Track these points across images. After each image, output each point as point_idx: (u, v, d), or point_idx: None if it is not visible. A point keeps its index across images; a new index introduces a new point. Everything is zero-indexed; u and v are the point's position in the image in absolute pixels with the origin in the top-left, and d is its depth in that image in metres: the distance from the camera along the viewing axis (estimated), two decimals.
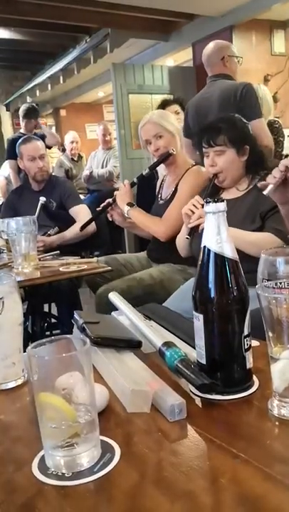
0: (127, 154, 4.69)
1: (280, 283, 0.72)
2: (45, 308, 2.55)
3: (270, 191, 1.22)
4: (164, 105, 3.67)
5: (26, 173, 2.84)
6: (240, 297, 0.72)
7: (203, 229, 0.75)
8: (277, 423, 0.64)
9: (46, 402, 0.57)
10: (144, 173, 2.27)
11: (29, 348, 0.58)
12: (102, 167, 4.94)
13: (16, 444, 0.66)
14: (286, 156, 3.39)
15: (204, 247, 0.73)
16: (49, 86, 7.55)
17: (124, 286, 1.97)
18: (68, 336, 0.61)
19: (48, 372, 0.58)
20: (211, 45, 2.97)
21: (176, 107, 3.56)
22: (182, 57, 5.71)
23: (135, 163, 4.46)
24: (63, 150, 6.15)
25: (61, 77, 7.08)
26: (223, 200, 0.72)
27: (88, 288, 2.38)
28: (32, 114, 4.38)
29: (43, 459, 0.60)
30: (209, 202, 0.72)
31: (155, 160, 2.24)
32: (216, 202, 0.71)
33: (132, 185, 2.28)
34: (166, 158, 2.18)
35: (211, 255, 0.72)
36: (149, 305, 1.19)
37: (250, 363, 0.74)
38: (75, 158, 5.67)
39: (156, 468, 0.57)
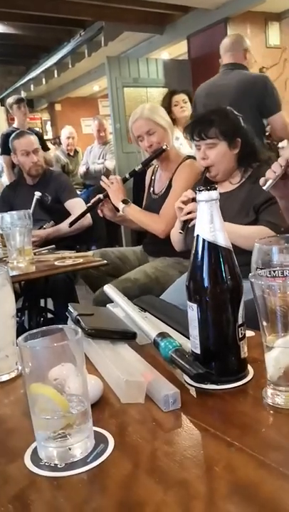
0: (122, 148, 4.67)
1: (274, 271, 0.72)
2: (42, 303, 2.54)
3: (270, 186, 1.20)
4: (171, 94, 3.67)
5: (21, 168, 2.83)
6: (233, 286, 0.72)
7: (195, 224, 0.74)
8: (271, 411, 0.64)
9: (38, 393, 0.56)
10: (136, 169, 2.26)
11: (20, 338, 0.57)
12: (98, 161, 4.93)
13: (8, 436, 0.65)
14: (281, 148, 3.39)
15: (197, 236, 0.73)
16: (44, 80, 7.51)
17: (120, 288, 1.95)
18: (60, 326, 0.60)
19: (40, 362, 0.57)
20: (234, 34, 3.10)
21: (184, 96, 3.56)
22: (177, 50, 5.68)
23: (131, 157, 4.45)
24: (58, 143, 6.13)
25: (56, 72, 7.04)
26: (215, 188, 0.71)
27: (85, 283, 2.37)
28: (22, 100, 4.35)
29: (35, 450, 0.59)
30: (202, 190, 0.71)
31: (147, 155, 2.22)
32: (208, 190, 0.71)
33: (124, 180, 2.26)
34: (159, 154, 2.16)
35: (204, 244, 0.72)
36: (145, 297, 1.19)
37: (244, 353, 0.74)
38: (71, 154, 5.64)
39: (150, 457, 0.56)
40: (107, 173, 4.77)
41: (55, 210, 2.64)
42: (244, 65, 2.92)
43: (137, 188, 3.37)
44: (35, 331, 0.60)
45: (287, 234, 0.83)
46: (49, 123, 9.06)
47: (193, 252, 0.74)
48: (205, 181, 1.77)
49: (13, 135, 2.83)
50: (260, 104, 2.62)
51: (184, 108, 3.50)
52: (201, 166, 1.80)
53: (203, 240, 0.72)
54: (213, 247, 0.71)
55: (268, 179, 1.20)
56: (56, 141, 6.52)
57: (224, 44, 2.98)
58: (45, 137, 8.17)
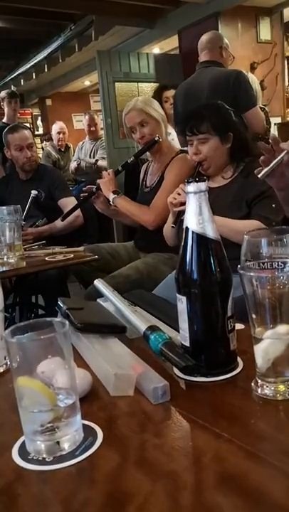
0: (114, 143, 4.64)
1: (263, 263, 0.72)
2: (34, 300, 2.53)
3: (265, 174, 1.19)
4: (162, 90, 3.65)
5: (14, 162, 2.80)
6: (222, 278, 0.72)
7: None
8: (260, 402, 0.64)
9: (25, 387, 0.56)
10: (128, 161, 2.25)
11: (7, 331, 0.57)
12: (91, 158, 4.90)
13: None
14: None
15: (186, 228, 0.72)
16: (34, 75, 7.44)
17: (112, 284, 1.94)
18: (47, 319, 0.60)
19: (27, 355, 0.57)
20: (210, 32, 3.01)
21: (174, 92, 3.54)
22: (168, 44, 5.65)
23: (122, 152, 4.42)
24: (49, 139, 6.08)
25: (46, 66, 6.98)
26: (204, 180, 0.71)
27: (77, 281, 2.35)
28: (14, 96, 4.29)
29: (23, 444, 0.59)
30: (191, 182, 0.71)
31: (140, 148, 2.22)
32: (197, 182, 0.70)
33: (117, 173, 2.26)
34: (151, 145, 2.16)
35: (193, 236, 0.71)
36: (135, 291, 1.19)
37: (234, 345, 0.74)
38: (63, 149, 5.61)
39: (139, 450, 0.56)
40: (99, 168, 4.74)
41: (48, 206, 2.62)
42: (219, 62, 2.89)
43: (129, 184, 3.36)
44: (22, 324, 0.59)
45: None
46: (39, 118, 8.99)
47: (182, 244, 0.74)
48: (197, 176, 1.77)
49: (6, 129, 2.79)
50: (234, 99, 2.58)
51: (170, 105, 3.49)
52: (193, 161, 1.80)
53: (192, 232, 0.72)
54: (201, 239, 0.71)
55: (263, 168, 1.19)
56: (47, 137, 6.45)
57: (200, 42, 2.96)
58: (36, 133, 8.13)
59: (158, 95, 3.52)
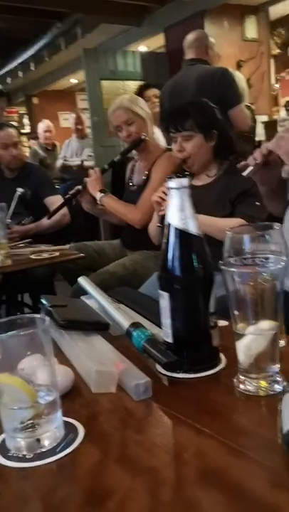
0: (100, 142, 4.63)
1: (245, 259, 0.72)
2: (20, 299, 2.52)
3: (250, 173, 1.20)
4: (143, 89, 3.65)
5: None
6: (205, 274, 0.72)
7: None
8: (242, 398, 0.64)
9: (4, 383, 0.55)
10: (115, 160, 2.24)
11: None
12: (77, 156, 4.87)
13: None
14: (259, 142, 3.41)
15: (168, 224, 0.72)
16: (20, 73, 7.39)
17: (98, 280, 1.94)
18: (27, 315, 0.59)
19: (6, 352, 0.56)
20: (196, 31, 3.02)
21: (155, 91, 3.55)
22: (155, 43, 5.66)
23: (109, 150, 4.40)
24: (36, 138, 6.04)
25: (32, 64, 6.94)
26: (186, 176, 0.71)
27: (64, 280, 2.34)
28: (3, 93, 4.25)
29: (4, 442, 0.58)
30: (173, 178, 0.71)
31: (126, 146, 2.21)
32: (179, 177, 0.70)
33: (103, 171, 2.25)
34: (137, 144, 2.15)
35: (175, 232, 0.71)
36: (120, 289, 1.18)
37: (216, 341, 0.74)
38: (49, 148, 5.58)
39: (120, 446, 0.56)
40: (86, 167, 4.72)
41: (35, 205, 2.61)
42: (205, 60, 2.89)
43: (116, 182, 3.35)
44: (2, 320, 0.59)
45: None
46: (26, 116, 8.93)
47: (164, 240, 0.73)
48: (181, 172, 1.77)
49: None
50: (220, 97, 2.57)
51: (155, 103, 3.48)
52: (177, 158, 1.80)
53: (175, 228, 0.71)
54: (183, 235, 0.71)
55: (248, 165, 1.20)
56: (33, 136, 6.42)
57: (186, 40, 2.96)
58: (23, 131, 8.06)
59: (139, 94, 3.51)
